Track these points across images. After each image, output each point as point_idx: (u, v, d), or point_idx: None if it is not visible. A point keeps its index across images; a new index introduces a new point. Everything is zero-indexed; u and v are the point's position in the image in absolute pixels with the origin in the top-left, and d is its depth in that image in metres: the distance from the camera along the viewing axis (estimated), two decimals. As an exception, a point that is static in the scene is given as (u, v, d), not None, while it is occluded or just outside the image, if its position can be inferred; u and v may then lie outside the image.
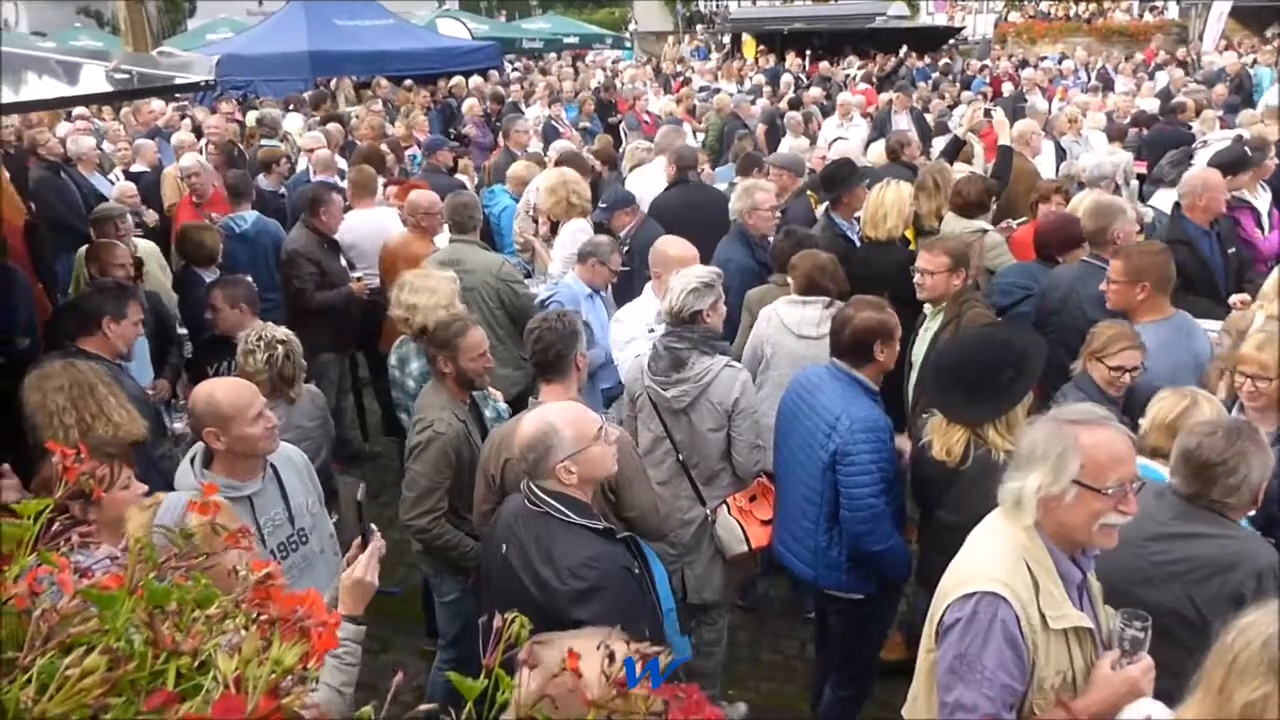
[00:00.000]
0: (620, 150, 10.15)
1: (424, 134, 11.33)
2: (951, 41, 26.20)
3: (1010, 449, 2.87)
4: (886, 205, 5.44)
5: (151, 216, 7.98)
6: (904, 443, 3.79)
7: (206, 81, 5.15)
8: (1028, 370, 3.31)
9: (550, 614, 2.63)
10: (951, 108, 13.15)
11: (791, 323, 4.58)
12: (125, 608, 0.87)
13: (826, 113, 12.98)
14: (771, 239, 5.57)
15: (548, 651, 1.34)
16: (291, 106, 13.80)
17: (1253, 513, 2.82)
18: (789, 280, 4.82)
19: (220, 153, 9.52)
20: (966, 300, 4.56)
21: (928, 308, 4.70)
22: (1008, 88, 16.00)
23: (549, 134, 11.73)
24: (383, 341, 6.02)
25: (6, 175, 6.58)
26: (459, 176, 8.81)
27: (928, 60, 22.00)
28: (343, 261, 6.48)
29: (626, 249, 5.72)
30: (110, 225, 5.93)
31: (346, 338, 6.56)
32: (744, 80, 19.29)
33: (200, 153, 9.65)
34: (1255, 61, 18.62)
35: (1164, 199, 6.96)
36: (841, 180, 6.07)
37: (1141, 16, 29.23)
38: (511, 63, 22.32)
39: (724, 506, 3.99)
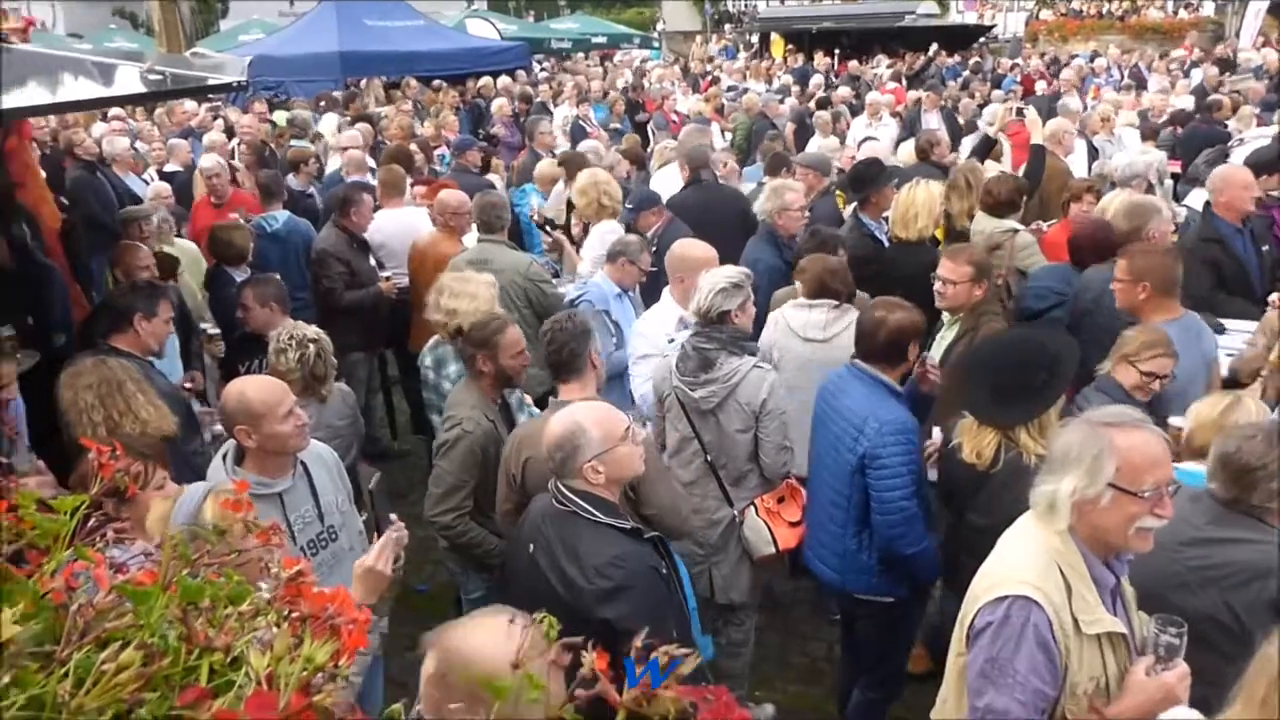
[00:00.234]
0: (648, 150, 10.15)
1: (454, 134, 11.40)
2: (982, 40, 25.98)
3: (1042, 452, 2.83)
4: (917, 205, 5.39)
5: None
6: (929, 444, 3.77)
7: (239, 82, 5.20)
8: (1060, 373, 3.27)
9: (577, 613, 2.63)
10: (982, 107, 13.04)
11: (797, 326, 4.56)
12: (159, 603, 0.88)
13: (855, 112, 12.90)
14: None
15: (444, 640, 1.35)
16: (323, 104, 13.93)
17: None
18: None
19: (252, 152, 9.62)
20: (985, 313, 4.49)
21: (945, 316, 4.65)
22: (1040, 86, 15.83)
23: (576, 134, 11.76)
24: (412, 341, 6.06)
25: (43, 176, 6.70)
26: (491, 176, 8.84)
27: (958, 58, 21.82)
28: (372, 261, 6.53)
29: (654, 249, 5.71)
30: (135, 226, 6.00)
31: (376, 336, 6.61)
32: (772, 79, 19.22)
33: (232, 153, 9.78)
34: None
35: (1199, 198, 6.85)
36: (870, 180, 6.03)
37: (1176, 13, 28.83)
38: (540, 63, 22.38)
39: (752, 508, 3.98)
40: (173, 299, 4.73)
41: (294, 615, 0.90)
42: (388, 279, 6.39)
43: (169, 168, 9.44)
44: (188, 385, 4.93)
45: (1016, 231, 5.73)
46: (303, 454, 3.32)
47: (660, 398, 4.12)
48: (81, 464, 2.65)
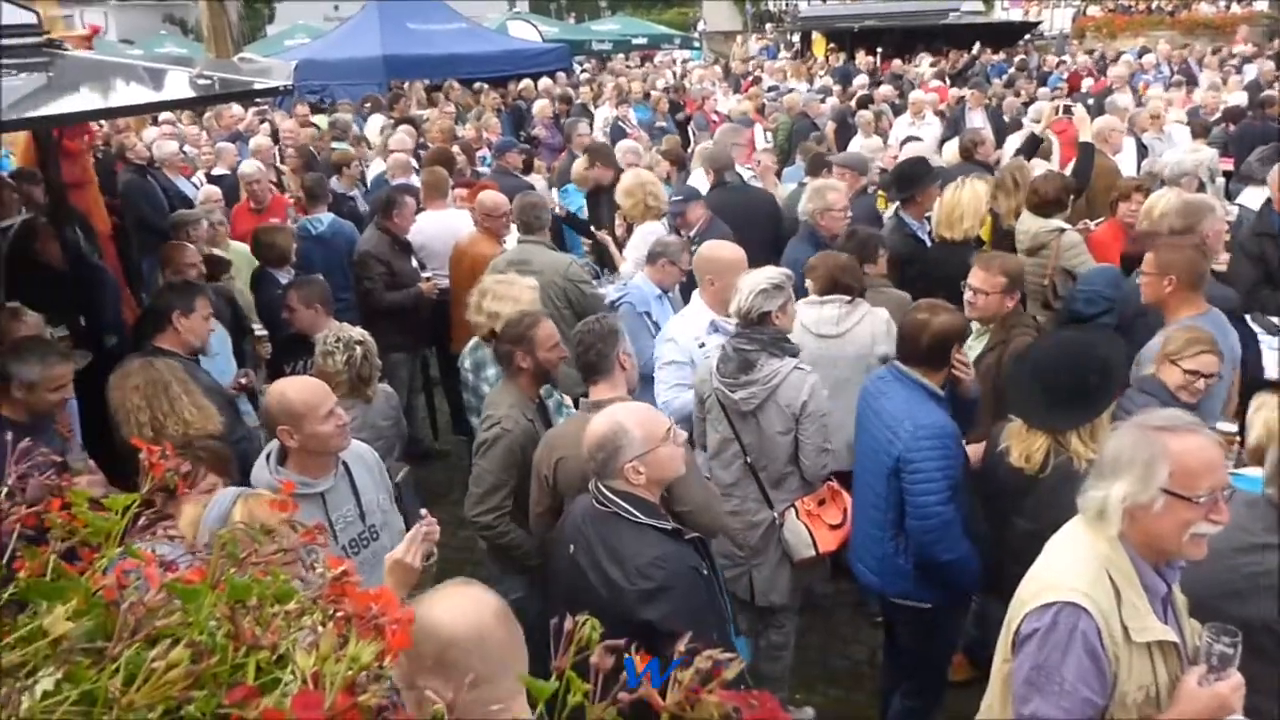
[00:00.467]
0: (689, 150, 10.13)
1: (496, 136, 11.47)
2: (1027, 37, 25.62)
3: (1092, 457, 2.78)
4: (963, 205, 5.33)
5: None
6: (974, 450, 3.71)
7: (285, 86, 5.27)
8: (1113, 377, 3.21)
9: (618, 614, 2.63)
10: (1027, 105, 12.85)
11: (810, 322, 4.52)
12: (208, 602, 0.89)
13: (898, 111, 12.78)
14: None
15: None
16: (368, 106, 14.10)
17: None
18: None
19: (300, 156, 9.77)
20: (1016, 325, 4.41)
21: (974, 326, 4.55)
22: (1086, 83, 15.57)
23: (616, 135, 11.78)
24: (453, 341, 6.11)
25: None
26: (533, 177, 8.88)
27: (1003, 56, 21.53)
28: (414, 262, 6.58)
29: (694, 249, 5.70)
30: (184, 231, 6.11)
31: (417, 337, 6.66)
32: (813, 79, 19.11)
33: (279, 157, 9.93)
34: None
35: (1252, 196, 6.71)
36: (916, 179, 5.97)
37: (1228, 7, 28.20)
38: (581, 64, 22.45)
39: (792, 510, 3.95)
40: (210, 296, 4.81)
41: (339, 615, 0.91)
42: (428, 280, 6.44)
43: (216, 171, 9.59)
44: (242, 381, 5.03)
45: (1063, 231, 5.64)
46: (344, 453, 3.35)
47: (701, 398, 4.11)
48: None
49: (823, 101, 13.73)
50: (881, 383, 3.76)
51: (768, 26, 33.55)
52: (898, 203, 6.19)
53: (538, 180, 8.81)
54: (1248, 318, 4.84)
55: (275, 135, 11.45)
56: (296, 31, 25.50)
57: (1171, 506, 2.14)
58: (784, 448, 3.90)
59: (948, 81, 17.05)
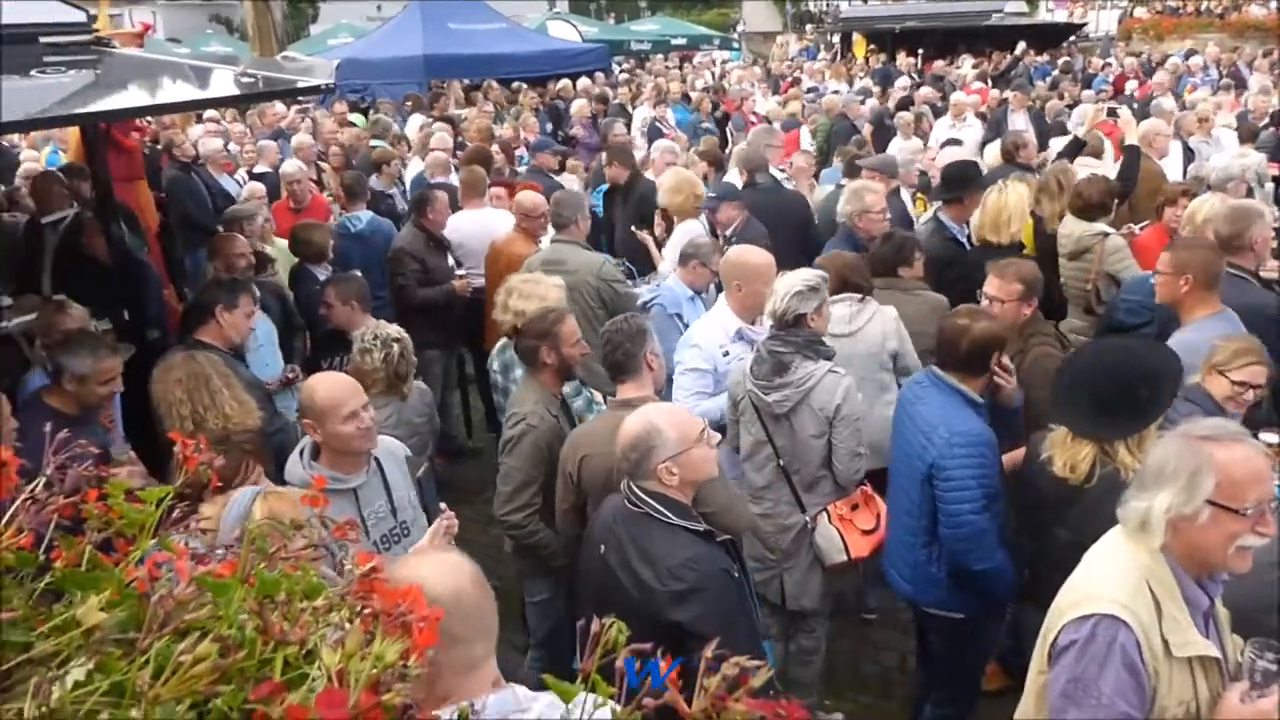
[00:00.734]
0: (726, 151, 10.11)
1: (534, 135, 11.52)
2: (1072, 38, 25.25)
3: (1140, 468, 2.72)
4: (1009, 208, 5.26)
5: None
6: (1009, 458, 3.65)
7: (326, 85, 5.33)
8: (1165, 386, 3.13)
9: (648, 615, 2.62)
10: (1071, 107, 12.66)
11: None
12: (238, 596, 0.89)
13: (939, 113, 12.65)
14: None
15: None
16: (409, 105, 14.23)
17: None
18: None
19: (344, 155, 9.90)
20: (1034, 334, 4.31)
21: None
22: (1131, 86, 15.31)
23: (653, 135, 11.78)
24: (487, 340, 6.14)
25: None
26: (566, 176, 8.90)
27: (1046, 58, 21.24)
28: (450, 261, 6.62)
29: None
30: (239, 225, 6.21)
31: (451, 335, 6.70)
32: (853, 80, 18.98)
33: (321, 155, 10.04)
34: None
35: (1303, 202, 6.56)
36: (967, 182, 5.90)
37: (1280, 10, 27.59)
38: (620, 64, 22.47)
39: (824, 514, 3.92)
40: (255, 292, 4.87)
41: (366, 611, 0.91)
42: (462, 278, 6.47)
43: (258, 169, 9.72)
44: (289, 376, 5.10)
45: (1107, 235, 5.55)
46: (376, 450, 3.37)
47: (734, 400, 4.10)
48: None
49: (862, 103, 13.62)
50: (919, 388, 3.72)
51: (808, 27, 33.37)
52: (938, 204, 6.12)
53: (570, 180, 8.83)
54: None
55: (316, 134, 11.59)
56: (340, 31, 25.80)
57: (1217, 518, 2.10)
58: (817, 451, 3.87)
59: (989, 83, 16.85)
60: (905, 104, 13.07)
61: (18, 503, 1.04)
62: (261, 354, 5.10)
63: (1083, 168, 6.77)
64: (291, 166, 8.09)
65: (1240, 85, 14.84)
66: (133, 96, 4.72)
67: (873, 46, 24.05)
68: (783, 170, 8.18)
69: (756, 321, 4.49)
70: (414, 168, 9.54)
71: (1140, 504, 2.18)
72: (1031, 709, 2.43)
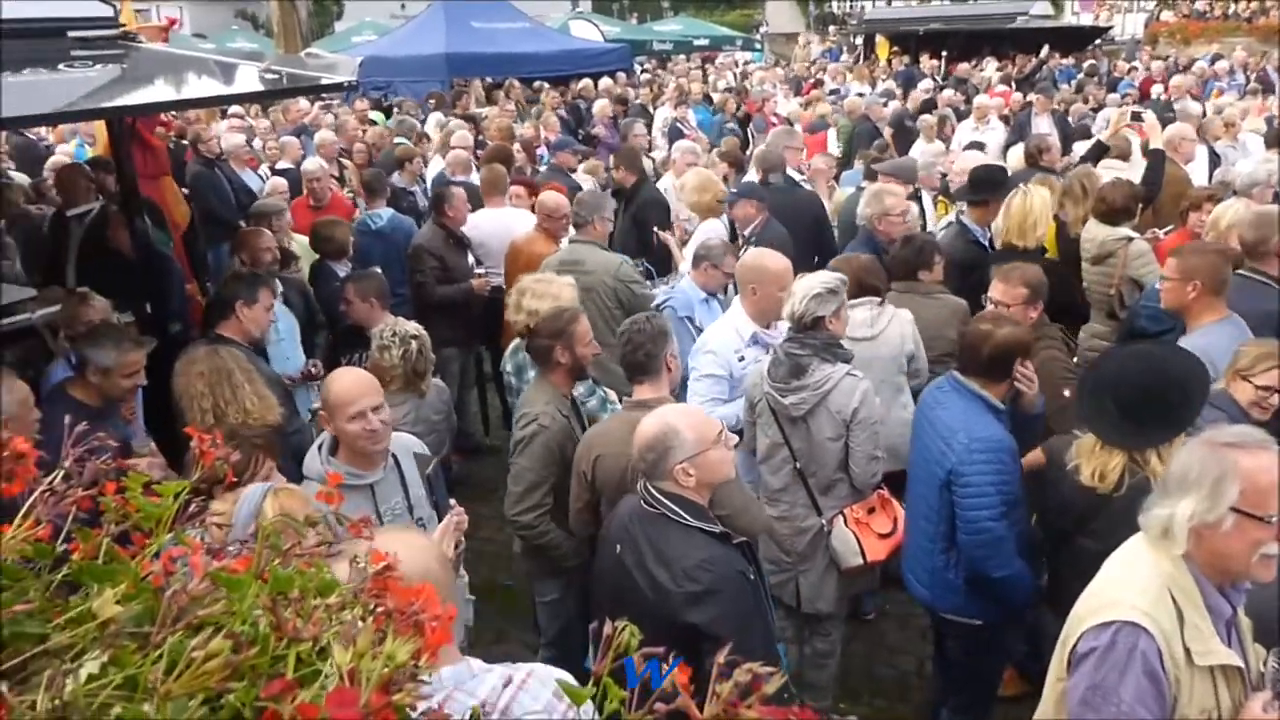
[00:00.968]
0: (747, 153, 10.09)
1: (555, 134, 11.54)
2: (1098, 42, 25.02)
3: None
4: (1035, 213, 5.24)
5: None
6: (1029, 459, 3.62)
7: (349, 82, 5.35)
8: (1196, 393, 3.09)
9: (663, 616, 2.62)
10: (1096, 110, 12.54)
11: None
12: (251, 592, 0.89)
13: (962, 116, 12.58)
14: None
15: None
16: (432, 103, 14.28)
17: None
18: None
19: (367, 152, 9.94)
20: (1040, 338, 4.27)
21: None
22: (1156, 90, 15.16)
23: (674, 135, 11.77)
24: (505, 338, 6.15)
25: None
26: (582, 176, 8.91)
27: (1071, 61, 21.06)
28: (470, 259, 6.64)
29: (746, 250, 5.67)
30: (267, 220, 6.25)
31: (469, 333, 6.71)
32: (875, 82, 18.89)
33: (345, 152, 10.10)
34: None
35: (1331, 209, 6.46)
36: (995, 185, 5.88)
37: (1312, 14, 27.23)
38: (641, 64, 22.47)
39: (840, 517, 3.90)
40: (275, 287, 4.90)
41: (379, 610, 0.91)
42: (481, 276, 6.49)
43: (280, 165, 9.78)
44: (310, 370, 5.13)
45: (1131, 240, 5.50)
46: (394, 446, 3.38)
47: (751, 403, 4.08)
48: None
49: (885, 105, 13.56)
50: (939, 393, 3.70)
51: (830, 29, 33.24)
52: (961, 207, 6.08)
53: (586, 180, 8.83)
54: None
55: (337, 129, 11.64)
56: (364, 28, 25.93)
57: (1241, 526, 2.07)
58: (834, 454, 3.85)
59: (1013, 86, 16.73)
60: (927, 106, 12.99)
61: (36, 494, 1.04)
62: (282, 347, 5.14)
63: (1107, 171, 6.71)
64: (312, 164, 8.12)
65: (1268, 90, 14.66)
66: (158, 91, 4.76)
67: (896, 48, 23.91)
68: (802, 172, 8.17)
69: (771, 325, 4.47)
70: (435, 165, 9.58)
71: (1163, 511, 2.16)
72: (1049, 714, 2.41)
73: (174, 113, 9.16)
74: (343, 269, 6.09)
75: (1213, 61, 18.57)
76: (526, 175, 8.60)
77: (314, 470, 3.29)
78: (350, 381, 3.30)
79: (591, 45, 20.88)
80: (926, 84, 16.79)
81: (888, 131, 11.72)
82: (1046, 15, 27.82)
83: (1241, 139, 9.33)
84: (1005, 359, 3.54)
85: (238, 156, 9.29)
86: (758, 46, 30.55)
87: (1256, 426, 3.07)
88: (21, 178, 8.46)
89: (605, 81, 16.74)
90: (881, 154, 9.21)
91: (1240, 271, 4.61)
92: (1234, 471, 2.07)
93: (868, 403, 3.79)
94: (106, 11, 5.10)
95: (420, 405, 4.20)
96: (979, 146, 9.50)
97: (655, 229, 7.07)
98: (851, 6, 33.19)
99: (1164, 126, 7.65)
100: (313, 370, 5.14)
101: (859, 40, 27.63)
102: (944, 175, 7.99)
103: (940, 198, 7.59)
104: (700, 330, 4.94)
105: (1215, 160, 8.53)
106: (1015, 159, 8.14)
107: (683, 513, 2.77)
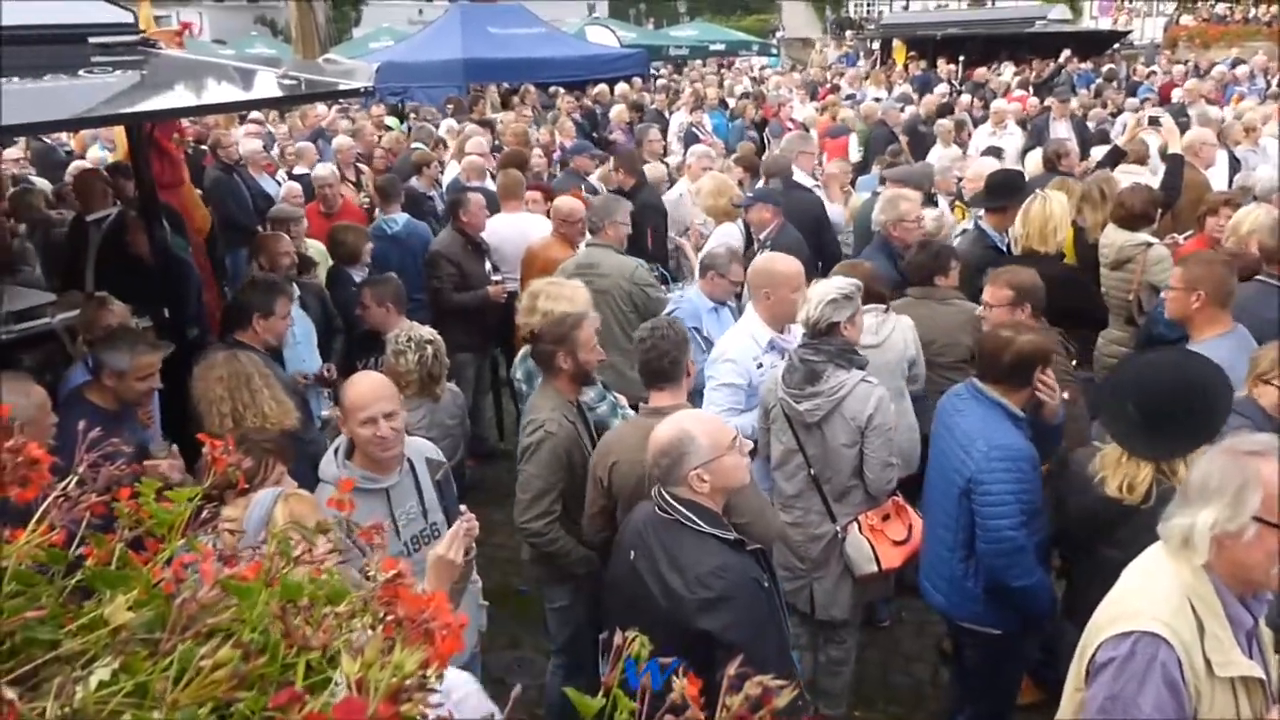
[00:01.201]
0: (762, 157, 10.08)
1: (570, 139, 11.55)
2: (1117, 46, 24.87)
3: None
4: (1055, 218, 5.21)
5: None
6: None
7: (366, 88, 5.37)
8: (1220, 401, 3.06)
9: (677, 623, 2.61)
10: (1115, 115, 12.46)
11: None
12: (261, 599, 0.89)
13: (979, 121, 12.52)
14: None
15: None
16: (450, 108, 14.33)
17: None
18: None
19: (388, 158, 9.99)
20: None
21: None
22: (1176, 94, 15.06)
23: (689, 140, 11.77)
24: (519, 344, 6.16)
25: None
26: (593, 180, 8.91)
27: (1090, 65, 20.94)
28: (487, 265, 6.64)
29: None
30: (285, 225, 6.27)
31: (484, 338, 6.71)
32: (892, 87, 18.84)
33: (365, 158, 10.15)
34: None
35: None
36: (1014, 190, 5.84)
37: (1334, 18, 27.01)
38: (658, 70, 22.48)
39: (855, 524, 3.88)
40: (291, 293, 4.93)
41: (389, 618, 0.90)
42: (498, 283, 6.49)
43: (298, 170, 9.82)
44: (325, 374, 5.14)
45: (1149, 245, 5.45)
46: (409, 451, 3.38)
47: (766, 408, 4.07)
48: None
49: (902, 110, 13.51)
50: (959, 400, 3.67)
51: (847, 34, 33.20)
52: (981, 212, 6.05)
53: (599, 185, 8.83)
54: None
55: (355, 134, 11.69)
56: (381, 34, 26.00)
57: (1263, 535, 2.04)
58: (848, 460, 3.83)
59: (1031, 91, 16.64)
60: (944, 111, 12.94)
61: (49, 499, 1.04)
62: (299, 351, 5.17)
63: (1126, 175, 6.66)
64: (324, 170, 8.08)
65: (1290, 94, 14.54)
66: (177, 97, 4.79)
67: (913, 53, 23.84)
68: (815, 177, 8.16)
69: (786, 329, 4.45)
70: (452, 171, 9.61)
71: (1184, 520, 2.13)
72: (1067, 725, 2.39)
73: (193, 118, 9.22)
74: (359, 274, 6.11)
75: (1233, 65, 18.43)
76: (542, 181, 8.61)
77: (329, 474, 3.30)
78: (366, 386, 3.30)
79: (607, 50, 20.89)
80: (943, 89, 16.74)
81: (903, 137, 11.68)
82: (1065, 20, 27.68)
83: (1262, 144, 9.25)
84: (1026, 367, 3.51)
85: (255, 162, 9.34)
86: (774, 51, 30.54)
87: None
88: (42, 183, 8.55)
89: (621, 87, 16.76)
90: (896, 159, 9.18)
91: (1260, 277, 4.56)
92: (1256, 480, 2.05)
93: (883, 409, 3.77)
94: (126, 18, 5.14)
95: (435, 410, 4.21)
96: (996, 152, 9.45)
97: (673, 235, 7.07)
98: (868, 11, 33.11)
99: (1181, 131, 7.59)
100: (325, 374, 5.15)
101: (876, 45, 27.57)
102: (959, 180, 7.96)
103: (957, 203, 7.56)
104: (708, 340, 4.90)
105: (1235, 165, 8.46)
106: (1033, 164, 8.10)
107: (697, 519, 2.76)
